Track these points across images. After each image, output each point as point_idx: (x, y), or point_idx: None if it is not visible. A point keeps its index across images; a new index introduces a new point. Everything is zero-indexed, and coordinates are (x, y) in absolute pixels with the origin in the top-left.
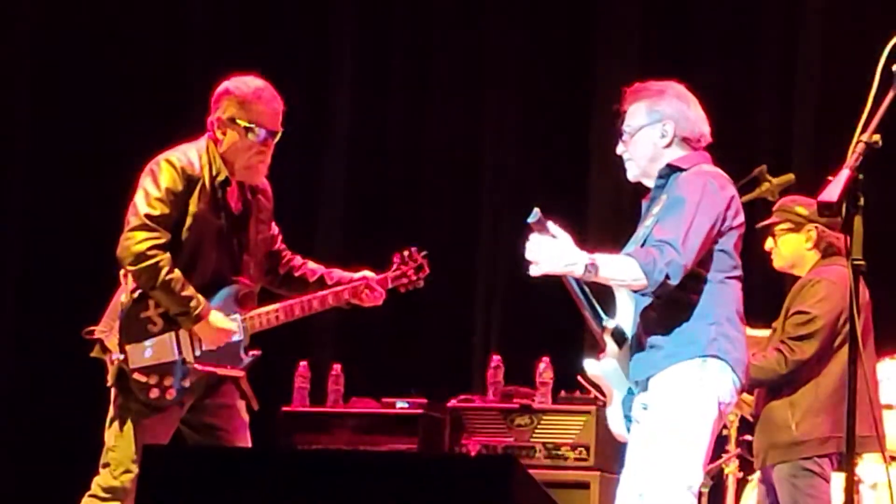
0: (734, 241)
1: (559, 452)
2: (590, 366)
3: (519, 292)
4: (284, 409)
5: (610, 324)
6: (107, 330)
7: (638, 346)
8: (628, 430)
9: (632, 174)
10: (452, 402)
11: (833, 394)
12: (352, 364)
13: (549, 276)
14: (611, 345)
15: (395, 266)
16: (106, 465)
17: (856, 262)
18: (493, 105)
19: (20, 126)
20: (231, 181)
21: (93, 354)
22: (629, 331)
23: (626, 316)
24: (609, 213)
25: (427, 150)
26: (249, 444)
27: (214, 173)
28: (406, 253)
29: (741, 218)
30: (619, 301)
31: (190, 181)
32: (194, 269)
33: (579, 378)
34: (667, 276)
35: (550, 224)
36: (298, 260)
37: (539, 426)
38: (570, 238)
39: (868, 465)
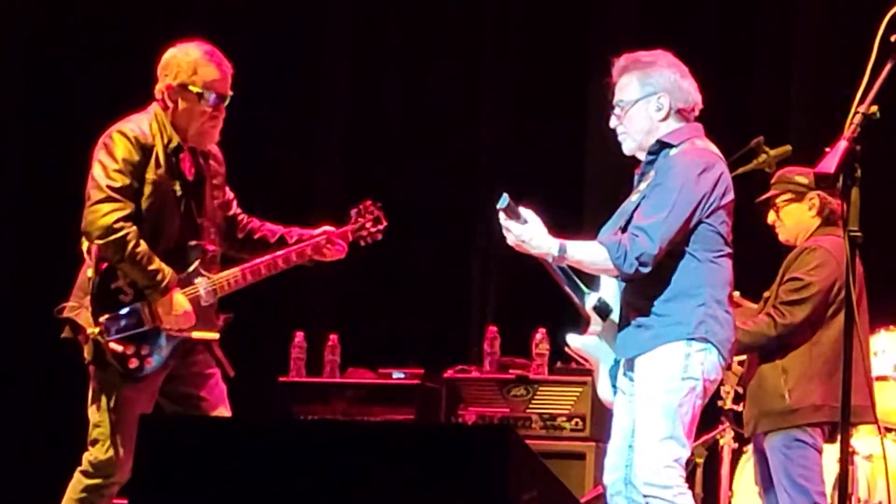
0: (723, 219)
1: (555, 423)
2: (572, 339)
3: (516, 264)
4: (281, 379)
5: (592, 298)
6: (77, 306)
7: (625, 322)
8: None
9: (627, 148)
10: (449, 373)
11: (826, 362)
12: (348, 334)
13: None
14: (594, 318)
15: (353, 219)
16: (94, 442)
17: (853, 234)
18: (490, 79)
19: None
20: (184, 147)
21: (63, 336)
22: (613, 303)
23: (609, 288)
24: (605, 183)
25: (423, 124)
26: (229, 412)
27: (166, 141)
28: (362, 206)
29: (730, 195)
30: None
31: (144, 150)
32: (158, 237)
33: (566, 349)
34: (637, 268)
35: (522, 209)
36: (256, 222)
37: (535, 397)
38: (539, 222)
39: (863, 437)
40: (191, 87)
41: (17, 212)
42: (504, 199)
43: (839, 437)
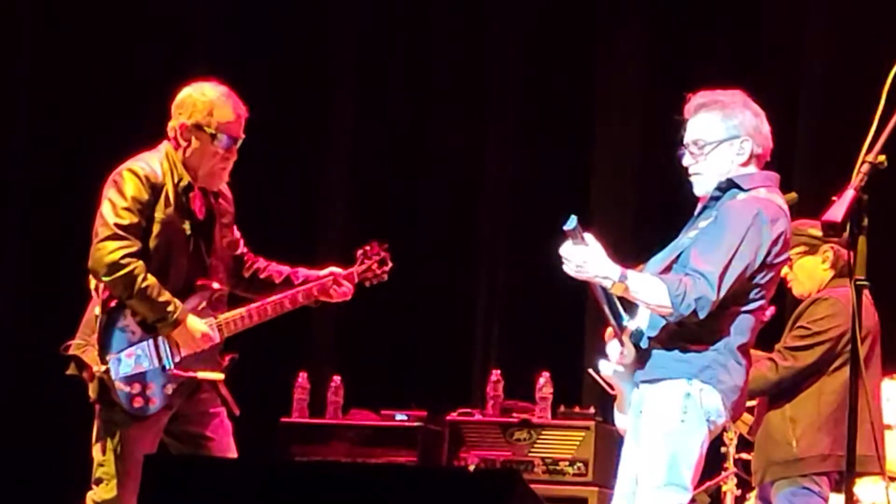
0: (771, 277)
1: (557, 467)
2: (604, 367)
3: (519, 307)
4: (283, 419)
5: (631, 324)
6: (83, 344)
7: (643, 346)
8: None
9: (701, 190)
10: (452, 416)
11: (834, 412)
12: (352, 375)
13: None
14: (629, 346)
15: (359, 260)
16: (99, 481)
17: (859, 283)
18: (494, 118)
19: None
20: (194, 187)
21: (69, 372)
22: (646, 331)
23: (644, 315)
24: (610, 226)
25: (427, 165)
26: (234, 452)
27: (177, 180)
28: (368, 248)
29: (785, 255)
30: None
31: (154, 189)
32: (166, 276)
33: (590, 371)
34: (694, 311)
35: (586, 235)
36: (262, 262)
37: (538, 441)
38: (602, 249)
39: (867, 485)
40: (205, 128)
41: (23, 243)
42: (572, 221)
43: (844, 484)
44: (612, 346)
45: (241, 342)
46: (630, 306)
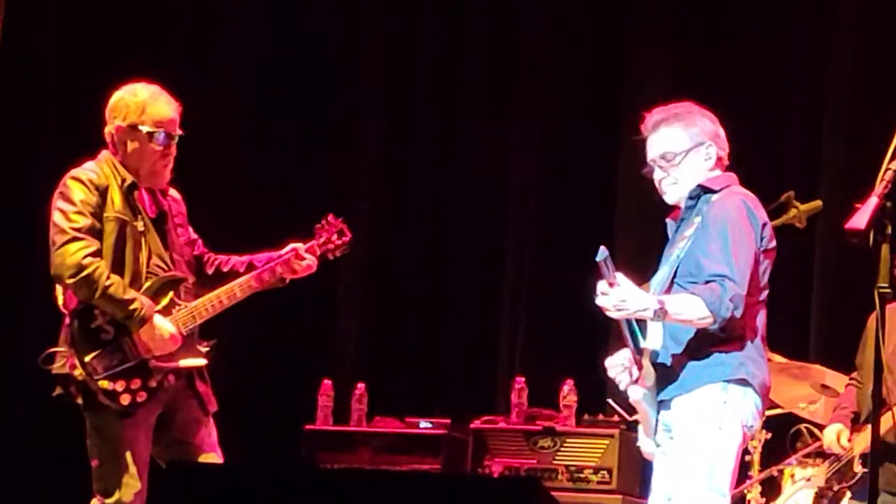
0: (765, 267)
1: (581, 475)
2: (634, 392)
3: (544, 315)
4: (308, 427)
5: (649, 346)
6: (63, 359)
7: (666, 362)
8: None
9: (674, 197)
10: (476, 423)
11: None
12: (376, 383)
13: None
14: (647, 367)
15: (317, 234)
16: (100, 490)
17: (882, 290)
18: (519, 132)
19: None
20: (138, 186)
21: (55, 394)
22: (669, 346)
23: (656, 332)
24: (635, 234)
25: (453, 174)
26: (220, 459)
27: (121, 180)
28: (324, 221)
29: (773, 242)
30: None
31: (99, 191)
32: (124, 273)
33: (609, 402)
34: (732, 311)
35: (618, 275)
36: (223, 257)
37: (562, 449)
38: (631, 283)
39: None
40: (140, 127)
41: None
42: (602, 253)
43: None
44: (624, 374)
45: (267, 350)
46: (641, 326)
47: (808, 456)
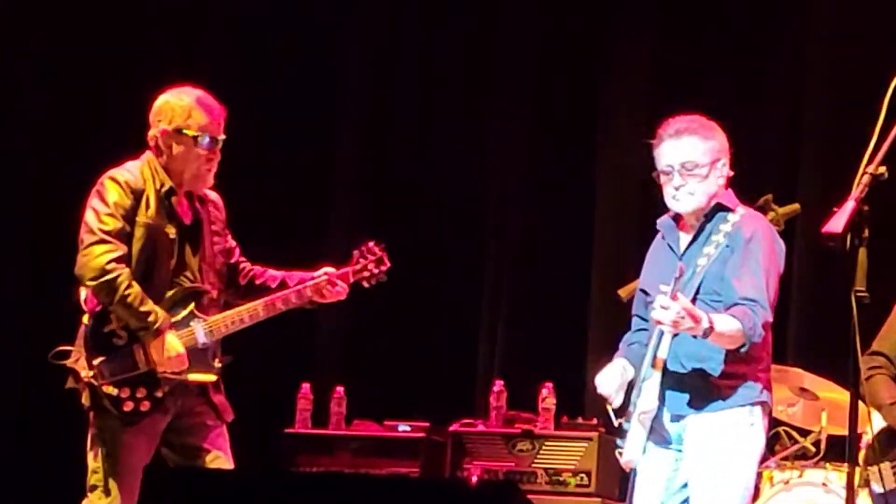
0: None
1: (560, 479)
2: (644, 402)
3: (522, 318)
4: (287, 430)
5: (661, 355)
6: (77, 356)
7: (689, 379)
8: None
9: (689, 207)
10: (455, 427)
11: None
12: (355, 386)
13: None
14: (654, 381)
15: (354, 260)
16: (93, 488)
17: (859, 294)
18: (498, 136)
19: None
20: (177, 192)
21: (67, 386)
22: (684, 361)
23: (664, 346)
24: (613, 238)
25: (432, 177)
26: (231, 464)
27: (159, 185)
28: (364, 248)
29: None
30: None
31: (135, 194)
32: (150, 280)
33: (608, 407)
34: (761, 336)
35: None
36: (259, 269)
37: (541, 452)
38: (687, 299)
39: None
40: (185, 131)
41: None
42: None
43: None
44: (620, 393)
45: (245, 353)
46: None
47: (786, 458)
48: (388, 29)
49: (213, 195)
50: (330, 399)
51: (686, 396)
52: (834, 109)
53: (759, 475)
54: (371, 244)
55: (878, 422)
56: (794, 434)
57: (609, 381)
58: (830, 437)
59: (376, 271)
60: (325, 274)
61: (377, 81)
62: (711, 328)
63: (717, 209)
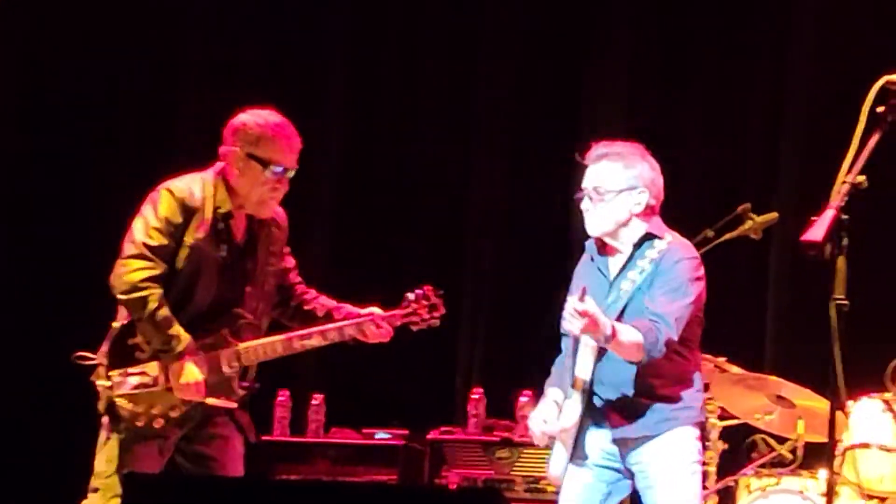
0: (701, 310)
1: (538, 486)
2: (566, 419)
3: (501, 326)
4: (264, 438)
5: (581, 375)
6: (101, 361)
7: (630, 403)
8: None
9: (594, 230)
10: (433, 434)
11: None
12: (333, 394)
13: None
14: (578, 397)
15: (405, 303)
16: (95, 490)
17: (838, 302)
18: (480, 150)
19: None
20: (234, 214)
21: (93, 378)
22: (621, 386)
23: (586, 367)
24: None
25: (413, 185)
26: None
27: (217, 205)
28: (419, 292)
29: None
30: (581, 347)
31: (188, 212)
32: (190, 300)
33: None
34: (661, 352)
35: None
36: (312, 294)
37: (519, 460)
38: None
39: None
40: (257, 157)
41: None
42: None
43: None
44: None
45: None
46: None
47: (763, 466)
48: (373, 18)
49: (280, 214)
50: (308, 406)
51: (630, 419)
52: (813, 119)
53: (736, 483)
54: (428, 289)
55: None
56: (772, 442)
57: (541, 428)
58: (807, 445)
59: (427, 317)
60: (371, 314)
61: (362, 70)
62: (613, 335)
63: (646, 237)
